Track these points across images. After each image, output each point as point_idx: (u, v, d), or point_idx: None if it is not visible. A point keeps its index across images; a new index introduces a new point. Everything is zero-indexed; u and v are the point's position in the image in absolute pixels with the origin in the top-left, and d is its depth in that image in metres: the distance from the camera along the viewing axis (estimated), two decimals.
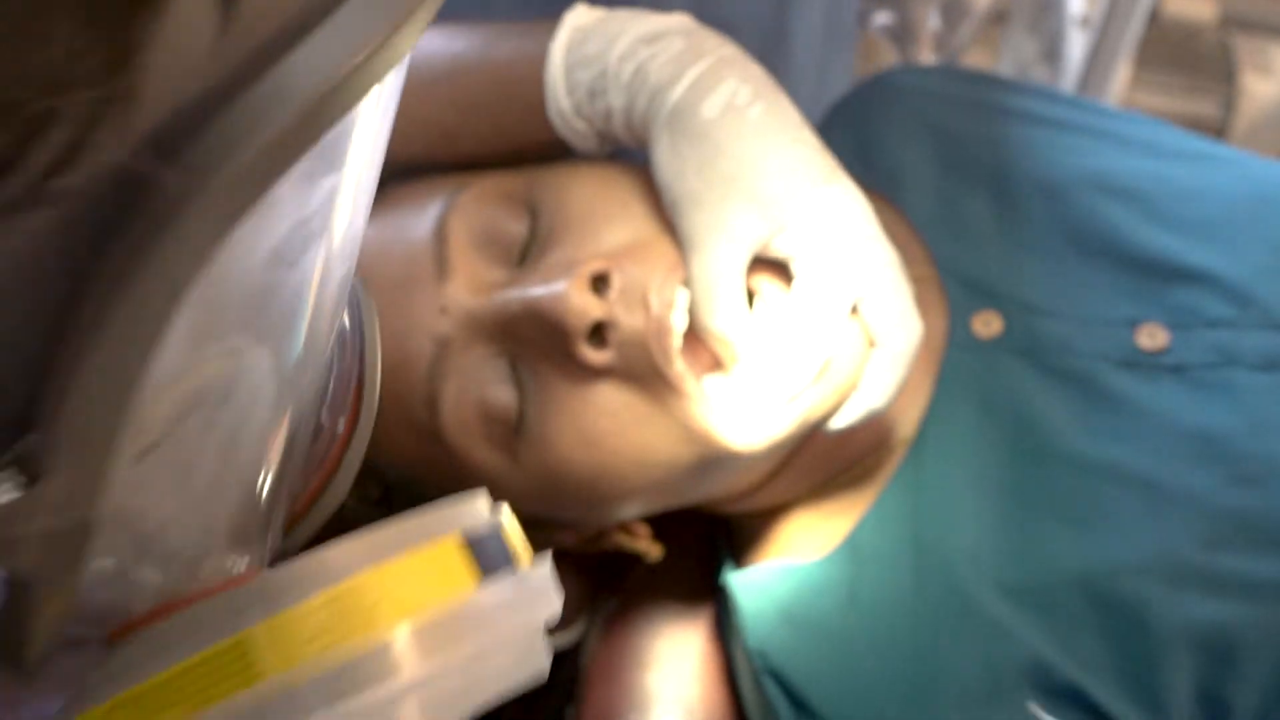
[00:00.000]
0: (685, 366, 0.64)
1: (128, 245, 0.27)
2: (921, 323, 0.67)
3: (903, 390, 0.68)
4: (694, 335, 0.65)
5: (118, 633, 0.36)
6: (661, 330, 0.63)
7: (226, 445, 0.35)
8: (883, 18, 1.05)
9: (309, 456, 0.43)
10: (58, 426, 0.28)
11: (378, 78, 0.29)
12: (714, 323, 0.64)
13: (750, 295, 0.66)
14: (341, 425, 0.46)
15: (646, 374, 0.64)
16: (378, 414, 0.47)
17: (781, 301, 0.66)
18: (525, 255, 0.68)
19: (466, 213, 0.67)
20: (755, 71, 0.67)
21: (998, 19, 1.78)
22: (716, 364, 0.66)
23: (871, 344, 0.66)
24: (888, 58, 1.30)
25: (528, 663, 0.37)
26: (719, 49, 0.67)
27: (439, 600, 0.35)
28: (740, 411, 0.64)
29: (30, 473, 0.29)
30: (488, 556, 0.37)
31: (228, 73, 0.27)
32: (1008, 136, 0.85)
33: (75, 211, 0.26)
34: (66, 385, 0.28)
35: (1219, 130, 1.77)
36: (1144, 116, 0.92)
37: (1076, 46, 1.53)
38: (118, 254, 0.27)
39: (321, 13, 0.28)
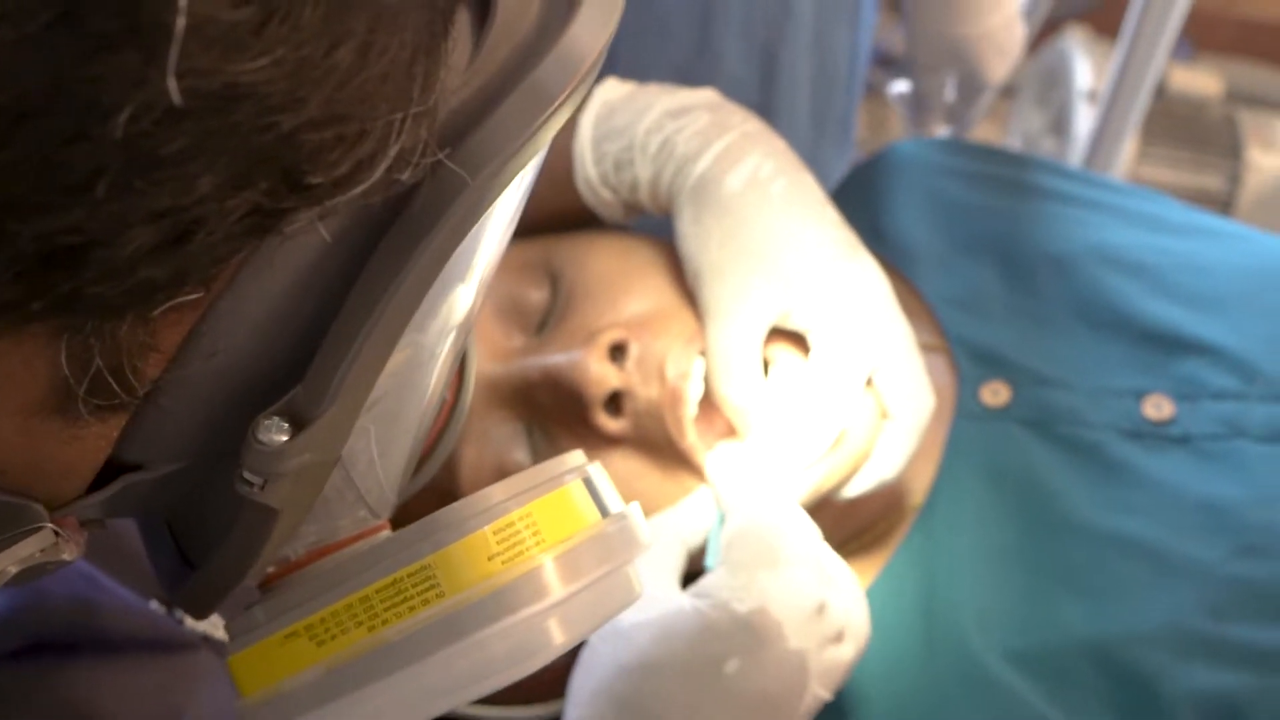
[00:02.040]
0: (698, 438, 0.66)
1: (404, 233, 0.34)
2: (934, 396, 0.70)
3: (913, 460, 0.70)
4: (710, 403, 0.67)
5: (276, 575, 0.42)
6: (676, 401, 0.65)
7: (411, 410, 0.42)
8: (900, 85, 1.09)
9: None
10: (329, 381, 0.35)
11: (581, 96, 0.36)
12: (729, 391, 0.66)
13: (767, 365, 0.68)
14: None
15: (660, 444, 0.66)
16: None
17: (798, 372, 0.68)
18: (544, 323, 0.70)
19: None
20: (779, 147, 0.70)
21: (1006, 93, 1.81)
22: (731, 432, 0.68)
23: (884, 415, 0.69)
24: (897, 129, 1.34)
25: (631, 587, 0.44)
26: (743, 124, 0.70)
27: (576, 531, 0.41)
28: (753, 481, 0.65)
29: (295, 418, 0.35)
30: (598, 498, 0.44)
31: (474, 91, 0.35)
32: (1016, 210, 0.88)
33: (366, 209, 0.33)
34: (342, 347, 0.34)
35: (1225, 204, 1.81)
36: (1149, 191, 0.95)
37: (1084, 120, 1.56)
38: (394, 244, 0.34)
39: (549, 38, 0.36)
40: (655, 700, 0.57)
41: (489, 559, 0.39)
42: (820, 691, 0.60)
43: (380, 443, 0.41)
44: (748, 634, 0.58)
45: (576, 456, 0.45)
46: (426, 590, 0.39)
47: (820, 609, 0.60)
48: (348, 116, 0.28)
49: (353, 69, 0.27)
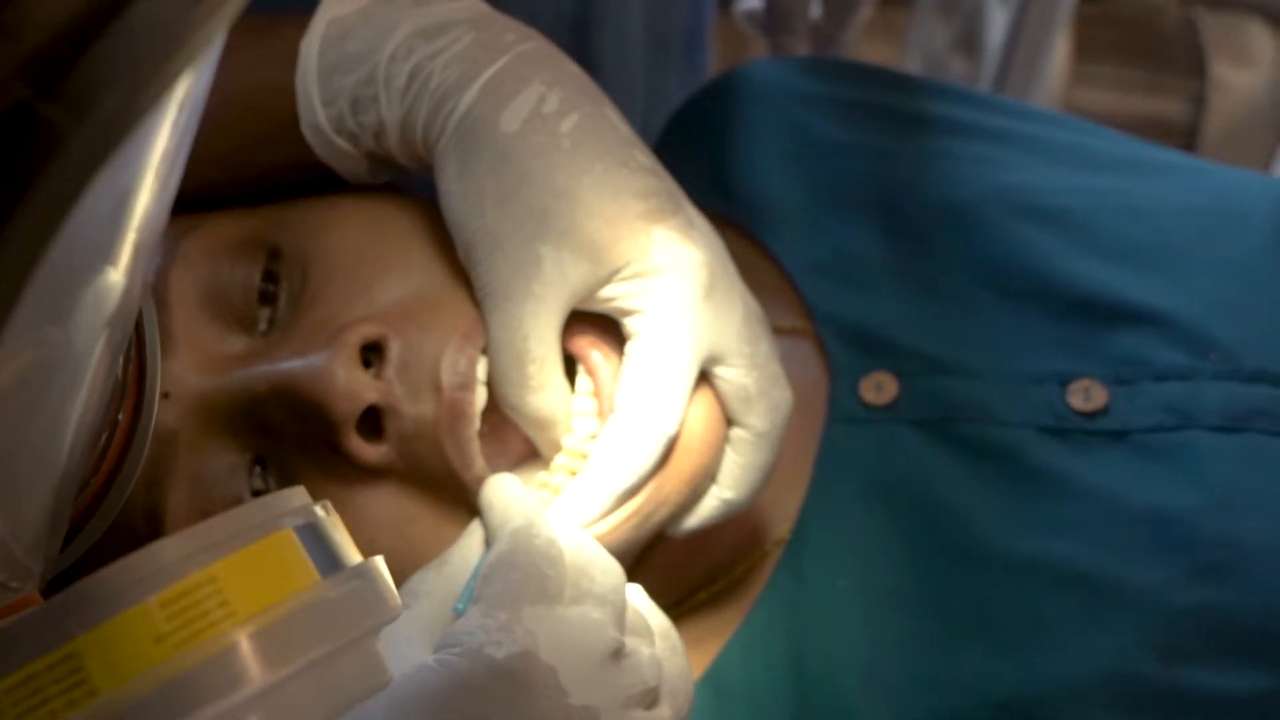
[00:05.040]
0: (487, 465, 0.64)
1: (4, 184, 0.31)
2: (790, 392, 0.67)
3: (770, 477, 0.68)
4: (499, 416, 0.65)
5: None
6: (455, 417, 0.63)
7: (34, 436, 0.40)
8: (751, 3, 1.08)
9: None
10: None
11: (225, 24, 0.33)
12: (524, 400, 0.63)
13: (571, 362, 0.66)
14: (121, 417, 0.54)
15: (437, 475, 0.64)
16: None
17: (610, 369, 0.65)
18: (273, 319, 0.68)
19: (192, 265, 0.66)
20: (569, 72, 0.67)
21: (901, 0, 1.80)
22: (529, 453, 0.66)
23: (728, 421, 0.66)
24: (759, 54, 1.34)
25: (372, 672, 0.42)
26: (520, 44, 0.66)
27: (282, 598, 0.39)
28: (561, 515, 0.63)
29: None
30: (322, 552, 0.41)
31: (89, 6, 0.32)
32: (902, 148, 0.87)
33: None
34: None
35: (1188, 135, 1.83)
36: (1072, 118, 0.94)
37: (998, 30, 1.55)
38: None
39: None
40: None
41: (156, 641, 0.36)
42: None
43: None
44: (509, 685, 0.54)
45: (297, 495, 0.43)
46: (73, 688, 0.36)
47: (616, 654, 0.57)
48: None
49: None
